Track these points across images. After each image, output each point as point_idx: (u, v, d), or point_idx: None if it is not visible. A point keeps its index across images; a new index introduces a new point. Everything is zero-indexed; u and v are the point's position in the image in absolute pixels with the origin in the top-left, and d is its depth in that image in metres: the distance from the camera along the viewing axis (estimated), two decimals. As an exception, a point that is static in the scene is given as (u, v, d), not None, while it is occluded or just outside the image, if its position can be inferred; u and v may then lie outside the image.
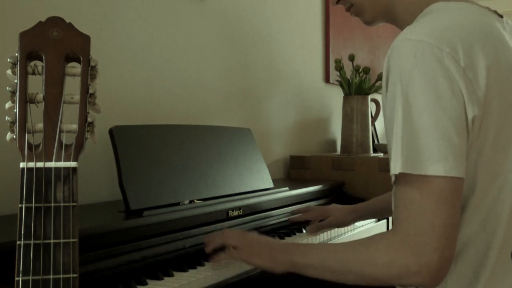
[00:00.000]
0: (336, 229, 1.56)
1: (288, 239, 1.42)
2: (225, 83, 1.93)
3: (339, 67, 2.32)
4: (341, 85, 2.32)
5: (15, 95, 0.68)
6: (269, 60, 2.19)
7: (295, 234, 1.47)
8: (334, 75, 2.54)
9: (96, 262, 1.00)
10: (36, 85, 0.70)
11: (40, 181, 0.67)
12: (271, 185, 1.63)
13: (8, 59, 0.68)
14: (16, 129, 0.68)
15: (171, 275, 1.06)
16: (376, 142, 2.80)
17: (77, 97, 0.70)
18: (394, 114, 0.87)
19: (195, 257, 1.16)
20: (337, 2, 1.13)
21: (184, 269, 1.09)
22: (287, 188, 1.64)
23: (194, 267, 1.11)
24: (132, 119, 1.53)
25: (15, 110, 0.68)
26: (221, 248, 1.12)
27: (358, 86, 2.26)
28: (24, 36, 0.68)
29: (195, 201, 1.31)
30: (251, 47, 2.08)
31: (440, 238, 0.82)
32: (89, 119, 0.70)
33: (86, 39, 0.70)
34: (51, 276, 0.66)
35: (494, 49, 0.89)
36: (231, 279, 1.11)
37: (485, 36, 0.90)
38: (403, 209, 0.86)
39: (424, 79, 0.84)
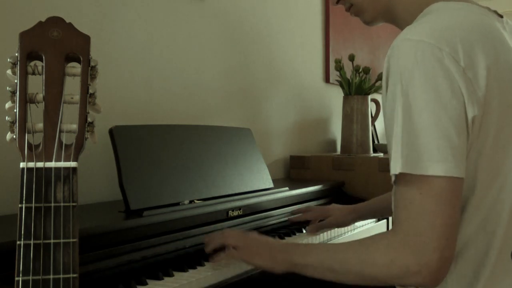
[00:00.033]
0: (336, 229, 1.56)
1: (288, 239, 1.42)
2: (225, 83, 1.93)
3: (339, 67, 2.32)
4: (341, 85, 2.32)
5: (15, 95, 0.68)
6: (269, 60, 2.19)
7: (295, 234, 1.47)
8: (334, 75, 2.54)
9: (96, 262, 1.00)
10: (36, 85, 0.70)
11: (40, 181, 0.67)
12: (271, 185, 1.63)
13: (8, 59, 0.68)
14: (16, 129, 0.68)
15: (171, 275, 1.06)
16: (376, 142, 2.80)
17: (77, 97, 0.70)
18: (394, 114, 0.87)
19: (195, 257, 1.16)
20: (337, 2, 1.13)
21: (184, 269, 1.09)
22: (287, 188, 1.64)
23: (194, 267, 1.11)
24: (132, 119, 1.53)
25: (15, 110, 0.68)
26: (221, 248, 1.12)
27: (358, 86, 2.26)
28: (24, 36, 0.68)
29: (195, 201, 1.31)
30: (251, 47, 2.08)
31: (440, 238, 0.83)
32: (89, 119, 0.70)
33: (86, 39, 0.70)
34: (51, 276, 0.66)
35: (494, 49, 0.89)
36: (231, 279, 1.11)
37: (485, 36, 0.90)
38: (403, 209, 0.86)
39: (424, 79, 0.84)
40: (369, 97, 2.29)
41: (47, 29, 0.69)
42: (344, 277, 0.94)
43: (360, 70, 2.30)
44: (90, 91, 0.70)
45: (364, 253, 0.91)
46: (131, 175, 1.20)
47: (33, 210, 0.66)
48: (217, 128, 1.57)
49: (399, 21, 1.07)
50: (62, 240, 0.67)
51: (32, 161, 0.67)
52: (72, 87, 0.71)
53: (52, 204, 0.67)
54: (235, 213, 1.38)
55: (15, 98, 0.68)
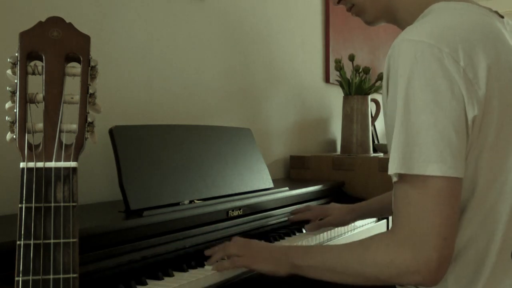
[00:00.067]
0: (336, 229, 1.56)
1: (288, 239, 1.42)
2: (225, 83, 1.93)
3: (339, 67, 2.32)
4: (341, 85, 2.32)
5: (15, 95, 0.68)
6: (269, 60, 2.19)
7: (295, 234, 1.47)
8: (334, 75, 2.54)
9: (96, 262, 1.00)
10: (36, 85, 0.70)
11: (40, 181, 0.67)
12: (271, 185, 1.63)
13: (8, 59, 0.68)
14: (16, 129, 0.68)
15: (171, 275, 1.06)
16: (376, 142, 2.80)
17: (77, 97, 0.70)
18: (394, 114, 0.87)
19: (195, 257, 1.16)
20: (338, 2, 1.13)
21: (184, 269, 1.09)
22: (287, 188, 1.64)
23: (194, 267, 1.11)
24: (132, 119, 1.53)
25: (15, 110, 0.68)
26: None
27: (358, 86, 2.26)
28: (24, 36, 0.68)
29: (195, 201, 1.31)
30: (251, 47, 2.08)
31: (439, 238, 0.83)
32: (89, 119, 0.70)
33: (86, 39, 0.70)
34: (51, 276, 0.66)
35: (494, 49, 0.89)
36: (231, 279, 1.11)
37: (486, 36, 0.90)
38: (402, 209, 0.87)
39: (424, 79, 0.84)
40: (369, 97, 2.29)
41: (47, 29, 0.69)
42: (345, 277, 0.95)
43: (360, 70, 2.30)
44: (90, 91, 0.70)
45: (364, 253, 0.91)
46: (131, 175, 1.20)
47: (33, 210, 0.66)
48: (217, 128, 1.57)
49: (400, 21, 1.07)
50: (62, 240, 0.67)
51: (32, 161, 0.67)
52: (72, 87, 0.71)
53: (52, 204, 0.67)
54: (235, 213, 1.38)
55: (15, 98, 0.68)
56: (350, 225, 1.63)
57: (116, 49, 1.51)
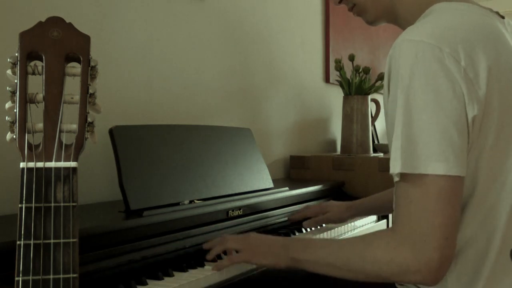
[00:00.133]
0: (336, 229, 1.56)
1: (288, 239, 1.42)
2: (225, 83, 1.93)
3: (339, 67, 2.32)
4: (341, 85, 2.32)
5: (15, 95, 0.68)
6: (269, 60, 2.19)
7: (295, 234, 1.47)
8: (334, 75, 2.54)
9: (96, 262, 1.00)
10: (36, 85, 0.70)
11: (40, 181, 0.67)
12: (271, 185, 1.63)
13: (8, 59, 0.68)
14: (16, 129, 0.68)
15: (171, 275, 1.06)
16: (376, 142, 2.80)
17: (77, 97, 0.70)
18: (395, 114, 0.87)
19: (195, 257, 1.16)
20: (339, 2, 1.13)
21: (184, 269, 1.09)
22: (287, 188, 1.64)
23: (194, 267, 1.11)
24: (132, 119, 1.53)
25: (15, 110, 0.68)
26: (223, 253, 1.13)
27: (358, 86, 2.26)
28: (24, 36, 0.68)
29: (195, 201, 1.31)
30: (251, 47, 2.08)
31: (440, 238, 0.83)
32: (89, 119, 0.70)
33: (86, 39, 0.70)
34: (51, 276, 0.66)
35: (495, 50, 0.89)
36: (231, 279, 1.11)
37: (486, 37, 0.90)
38: (403, 208, 0.87)
39: (425, 79, 0.84)
40: (369, 97, 2.29)
41: (47, 29, 0.69)
42: (345, 273, 0.95)
43: (360, 70, 2.30)
44: (90, 91, 0.70)
45: (365, 250, 0.91)
46: (131, 175, 1.20)
47: (33, 210, 0.66)
48: (217, 128, 1.57)
49: (401, 22, 1.07)
50: (62, 240, 0.67)
51: (32, 161, 0.67)
52: (72, 87, 0.71)
53: (52, 204, 0.67)
54: (235, 213, 1.38)
55: (15, 98, 0.68)
56: (350, 225, 1.63)
57: (116, 49, 1.51)
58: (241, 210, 1.40)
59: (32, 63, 0.69)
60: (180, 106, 1.72)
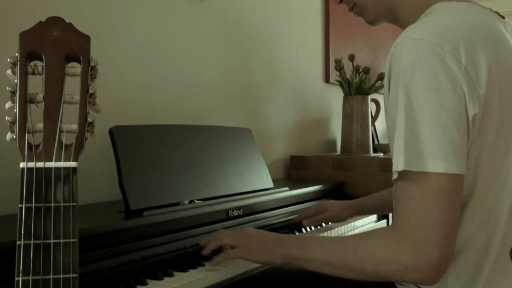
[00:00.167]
0: (335, 228, 1.56)
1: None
2: (225, 83, 1.93)
3: (339, 67, 2.32)
4: (341, 85, 2.32)
5: (15, 95, 0.68)
6: (269, 60, 2.19)
7: (295, 234, 1.47)
8: (334, 75, 2.54)
9: (96, 262, 1.00)
10: (36, 85, 0.70)
11: (40, 181, 0.67)
12: (271, 185, 1.63)
13: (8, 59, 0.68)
14: (16, 129, 0.68)
15: (171, 275, 1.06)
16: (376, 142, 2.80)
17: (77, 97, 0.70)
18: (396, 112, 0.87)
19: (195, 257, 1.16)
20: (340, 2, 1.13)
21: (184, 269, 1.09)
22: (287, 188, 1.64)
23: (194, 267, 1.11)
24: (132, 119, 1.53)
25: (15, 110, 0.68)
26: (219, 250, 1.12)
27: (358, 86, 2.26)
28: (24, 36, 0.68)
29: (195, 201, 1.31)
30: (251, 47, 2.08)
31: (440, 236, 0.83)
32: (89, 119, 0.70)
33: (86, 39, 0.70)
34: (51, 276, 0.66)
35: (495, 50, 0.89)
36: (231, 279, 1.11)
37: (487, 37, 0.90)
38: (403, 205, 0.86)
39: (425, 77, 0.84)
40: (369, 97, 2.29)
41: (47, 29, 0.69)
42: (343, 271, 0.94)
43: (360, 70, 2.30)
44: (90, 91, 0.70)
45: (364, 248, 0.91)
46: (131, 175, 1.20)
47: (33, 210, 0.66)
48: (217, 128, 1.57)
49: (401, 21, 1.07)
50: (62, 240, 0.67)
51: (32, 161, 0.67)
52: (72, 87, 0.71)
53: (52, 204, 0.67)
54: (235, 213, 1.38)
55: (15, 98, 0.68)
56: (350, 225, 1.63)
57: (116, 49, 1.51)
58: (241, 210, 1.40)
59: (32, 63, 0.69)
60: (180, 106, 1.72)
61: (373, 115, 2.52)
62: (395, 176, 0.87)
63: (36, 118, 0.69)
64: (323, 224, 1.60)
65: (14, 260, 0.66)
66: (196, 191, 1.34)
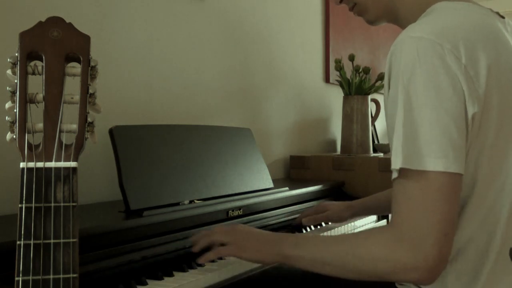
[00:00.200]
0: (335, 228, 1.56)
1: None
2: (225, 83, 1.93)
3: (339, 67, 2.32)
4: (341, 85, 2.32)
5: (15, 95, 0.68)
6: (269, 60, 2.19)
7: (291, 233, 1.47)
8: (334, 75, 2.54)
9: (96, 262, 1.00)
10: (36, 85, 0.70)
11: (40, 181, 0.67)
12: (271, 185, 1.63)
13: (8, 59, 0.68)
14: (16, 129, 0.68)
15: (171, 275, 1.06)
16: (376, 142, 2.80)
17: (77, 97, 0.70)
18: (395, 110, 0.87)
19: (195, 257, 1.16)
20: (340, 2, 1.13)
21: (184, 269, 1.09)
22: (287, 188, 1.64)
23: (194, 267, 1.11)
24: (132, 119, 1.53)
25: (15, 110, 0.68)
26: (210, 247, 1.10)
27: (358, 86, 2.26)
28: (24, 36, 0.68)
29: (195, 201, 1.31)
30: (251, 47, 2.08)
31: (439, 234, 0.82)
32: (89, 119, 0.70)
33: (86, 39, 0.70)
34: (51, 276, 0.66)
35: (495, 49, 0.89)
36: (231, 279, 1.11)
37: (486, 37, 0.90)
38: (402, 204, 0.86)
39: (425, 75, 0.84)
40: (369, 97, 2.29)
41: (47, 29, 0.69)
42: (338, 270, 0.93)
43: (360, 70, 2.30)
44: (90, 91, 0.70)
45: (361, 246, 0.90)
46: (131, 175, 1.20)
47: (33, 210, 0.66)
48: (217, 128, 1.57)
49: (401, 21, 1.07)
50: (62, 240, 0.67)
51: (32, 161, 0.67)
52: (72, 87, 0.71)
53: (52, 204, 0.67)
54: (235, 213, 1.38)
55: (15, 98, 0.68)
56: (350, 225, 1.63)
57: (116, 49, 1.51)
58: (241, 210, 1.40)
59: (32, 63, 0.69)
60: (180, 106, 1.72)
61: (373, 115, 2.52)
62: (394, 175, 0.87)
63: (36, 118, 0.69)
64: (323, 224, 1.60)
65: (14, 260, 0.66)
66: (196, 191, 1.34)
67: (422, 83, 0.84)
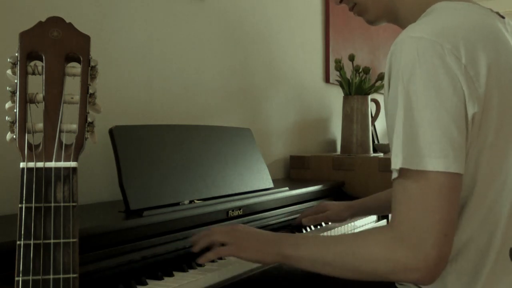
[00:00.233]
0: (336, 229, 1.56)
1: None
2: (225, 83, 1.93)
3: (339, 67, 2.32)
4: (341, 85, 2.32)
5: (15, 95, 0.68)
6: (269, 60, 2.19)
7: (291, 233, 1.47)
8: (334, 75, 2.54)
9: (96, 262, 1.00)
10: (36, 85, 0.70)
11: (40, 181, 0.67)
12: (271, 185, 1.63)
13: (8, 59, 0.68)
14: (16, 129, 0.68)
15: (171, 275, 1.06)
16: (376, 142, 2.80)
17: (77, 97, 0.70)
18: (395, 110, 0.87)
19: (195, 257, 1.16)
20: (340, 2, 1.12)
21: (184, 269, 1.09)
22: (287, 188, 1.64)
23: (194, 267, 1.11)
24: (132, 119, 1.53)
25: (15, 110, 0.68)
26: (210, 247, 1.10)
27: (358, 86, 2.26)
28: (24, 36, 0.68)
29: (195, 201, 1.31)
30: (251, 47, 2.08)
31: (439, 234, 0.82)
32: (89, 119, 0.70)
33: (86, 39, 0.70)
34: (51, 276, 0.66)
35: (495, 49, 0.89)
36: (231, 279, 1.11)
37: (486, 37, 0.90)
38: (402, 204, 0.86)
39: (426, 75, 0.84)
40: (369, 97, 2.29)
41: (47, 29, 0.69)
42: (338, 271, 0.93)
43: (360, 70, 2.30)
44: (90, 91, 0.70)
45: (361, 246, 0.90)
46: (131, 175, 1.20)
47: (33, 210, 0.66)
48: (217, 128, 1.57)
49: (402, 21, 1.07)
50: (62, 240, 0.67)
51: (32, 161, 0.67)
52: (72, 87, 0.71)
53: (52, 204, 0.67)
54: (235, 213, 1.38)
55: (15, 98, 0.68)
56: (350, 225, 1.63)
57: (116, 49, 1.51)
58: (241, 210, 1.40)
59: (32, 63, 0.69)
60: (180, 106, 1.72)
61: (373, 115, 2.52)
62: (395, 175, 0.87)
63: (36, 118, 0.69)
64: (323, 224, 1.60)
65: (14, 260, 0.66)
66: (196, 191, 1.34)
67: (422, 83, 0.84)
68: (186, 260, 1.13)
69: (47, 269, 0.66)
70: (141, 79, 1.59)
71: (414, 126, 0.84)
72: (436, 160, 0.82)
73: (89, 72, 0.70)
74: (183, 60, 1.75)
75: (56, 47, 0.69)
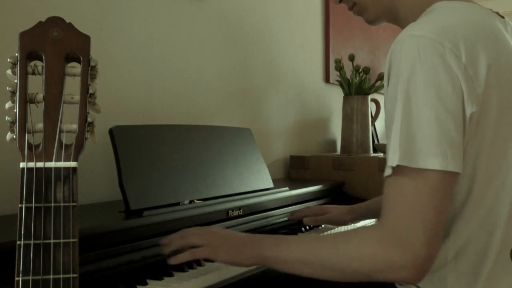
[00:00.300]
0: (336, 229, 1.55)
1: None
2: (225, 83, 1.93)
3: (339, 67, 2.32)
4: (341, 85, 2.32)
5: (15, 95, 0.68)
6: (269, 60, 2.19)
7: (295, 234, 1.47)
8: (334, 75, 2.54)
9: (96, 262, 1.00)
10: (36, 85, 0.70)
11: (40, 181, 0.67)
12: (271, 185, 1.63)
13: (8, 59, 0.68)
14: (16, 129, 0.68)
15: (171, 275, 1.06)
16: (376, 142, 2.80)
17: (77, 97, 0.70)
18: (394, 108, 0.86)
19: (195, 257, 1.16)
20: (340, 1, 1.12)
21: (184, 269, 1.09)
22: (287, 188, 1.64)
23: (194, 267, 1.11)
24: (132, 119, 1.53)
25: (15, 110, 0.68)
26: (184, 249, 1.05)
27: (358, 86, 2.26)
28: (24, 36, 0.68)
29: (195, 201, 1.31)
30: (251, 47, 2.08)
31: (430, 234, 0.81)
32: (89, 119, 0.70)
33: (86, 39, 0.70)
34: (51, 276, 0.66)
35: (495, 49, 0.89)
36: (231, 279, 1.11)
37: (486, 36, 0.90)
38: (394, 202, 0.85)
39: (425, 74, 0.84)
40: (369, 97, 2.29)
41: (47, 29, 0.69)
42: (320, 271, 0.90)
43: (360, 70, 2.30)
44: (90, 91, 0.70)
45: (347, 244, 0.88)
46: (131, 175, 1.20)
47: (33, 210, 0.66)
48: (217, 128, 1.57)
49: (401, 21, 1.07)
50: (62, 240, 0.67)
51: (32, 161, 0.67)
52: (72, 87, 0.71)
53: (52, 204, 0.67)
54: (235, 213, 1.38)
55: (15, 98, 0.68)
56: (350, 227, 1.63)
57: (116, 49, 1.51)
58: (241, 210, 1.40)
59: (32, 63, 0.69)
60: (180, 106, 1.72)
61: (373, 115, 2.52)
62: (388, 172, 0.85)
63: (36, 118, 0.69)
64: (323, 225, 1.60)
65: (14, 260, 0.66)
66: (196, 191, 1.34)
67: (422, 81, 0.84)
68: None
69: (47, 269, 0.66)
70: (141, 79, 1.59)
71: (412, 124, 0.83)
72: (433, 158, 0.81)
73: (89, 72, 0.70)
74: (183, 60, 1.75)
75: (56, 47, 0.69)
